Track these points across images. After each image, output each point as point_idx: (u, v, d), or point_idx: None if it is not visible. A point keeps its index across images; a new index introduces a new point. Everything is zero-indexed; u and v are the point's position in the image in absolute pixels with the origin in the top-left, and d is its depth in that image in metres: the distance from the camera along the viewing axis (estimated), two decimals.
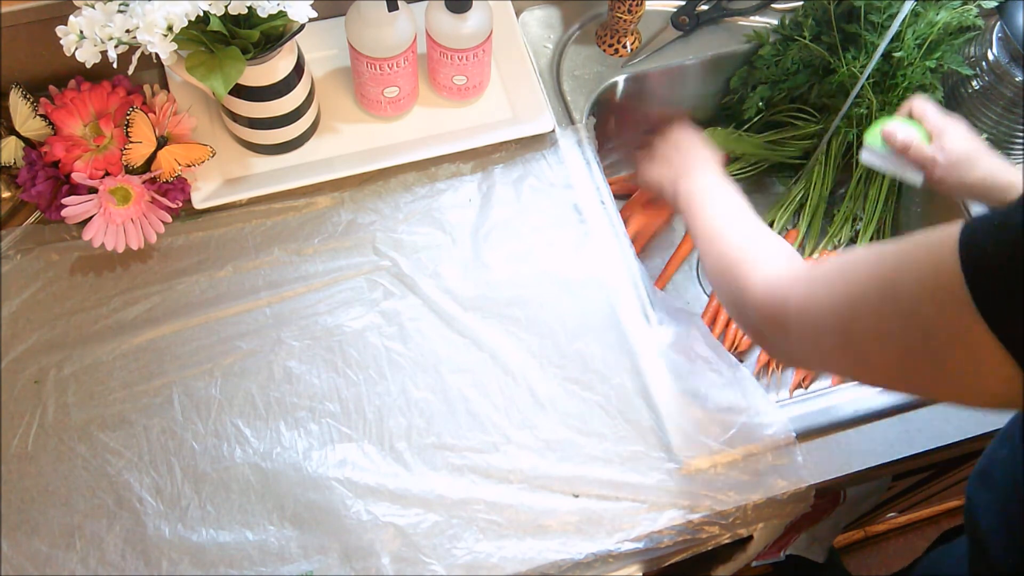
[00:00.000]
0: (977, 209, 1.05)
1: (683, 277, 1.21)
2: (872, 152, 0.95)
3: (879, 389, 0.90)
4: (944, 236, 0.54)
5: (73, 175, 0.91)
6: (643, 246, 1.20)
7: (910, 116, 0.94)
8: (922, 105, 0.92)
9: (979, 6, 1.08)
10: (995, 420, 0.93)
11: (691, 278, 1.21)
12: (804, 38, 1.11)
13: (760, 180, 1.25)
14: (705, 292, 1.21)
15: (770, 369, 1.14)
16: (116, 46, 0.81)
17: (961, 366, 0.55)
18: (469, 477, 0.88)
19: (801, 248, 1.20)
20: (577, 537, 0.86)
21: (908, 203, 1.19)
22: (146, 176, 0.93)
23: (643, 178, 1.02)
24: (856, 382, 0.70)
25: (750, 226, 0.82)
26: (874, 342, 0.60)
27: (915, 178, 0.92)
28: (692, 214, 0.89)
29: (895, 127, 0.91)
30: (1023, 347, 0.50)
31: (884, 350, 0.59)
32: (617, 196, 1.23)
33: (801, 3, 1.13)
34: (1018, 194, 0.84)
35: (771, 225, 1.22)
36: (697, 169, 0.93)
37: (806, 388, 1.12)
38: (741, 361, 1.13)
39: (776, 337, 0.70)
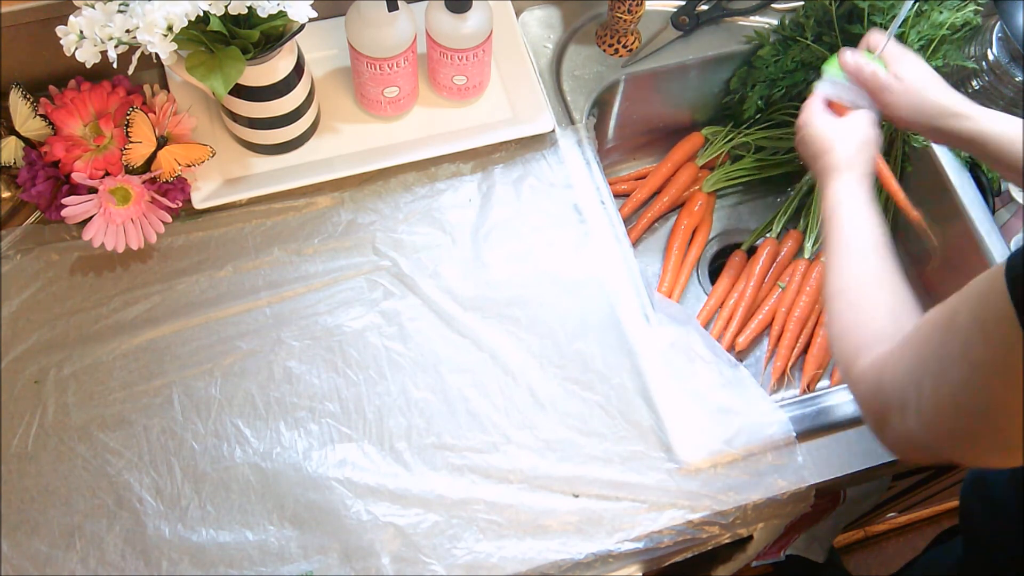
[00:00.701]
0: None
1: (683, 277, 1.21)
2: (829, 81, 0.94)
3: (964, 464, 0.87)
4: (995, 267, 0.55)
5: (73, 175, 0.91)
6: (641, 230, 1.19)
7: (869, 52, 0.93)
8: (878, 37, 0.92)
9: (978, 5, 1.08)
10: None
11: (692, 279, 1.21)
12: (806, 39, 1.11)
13: (761, 181, 1.25)
14: (705, 292, 1.21)
15: (771, 368, 1.14)
16: (116, 46, 0.81)
17: (1008, 399, 0.54)
18: (469, 477, 0.88)
19: (802, 249, 1.20)
20: (577, 537, 0.86)
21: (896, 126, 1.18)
22: (146, 176, 0.93)
23: (802, 136, 0.94)
24: (954, 461, 0.69)
25: (856, 292, 0.77)
26: (936, 387, 0.60)
27: (868, 105, 0.92)
28: (825, 248, 0.84)
29: (852, 54, 0.92)
30: None
31: (943, 393, 0.59)
32: (617, 196, 1.23)
33: (801, 3, 1.13)
34: (969, 124, 0.83)
35: (771, 226, 1.22)
36: (824, 183, 0.87)
37: (811, 391, 1.13)
38: (741, 361, 1.13)
39: (883, 428, 0.68)
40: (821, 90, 0.94)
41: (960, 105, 0.86)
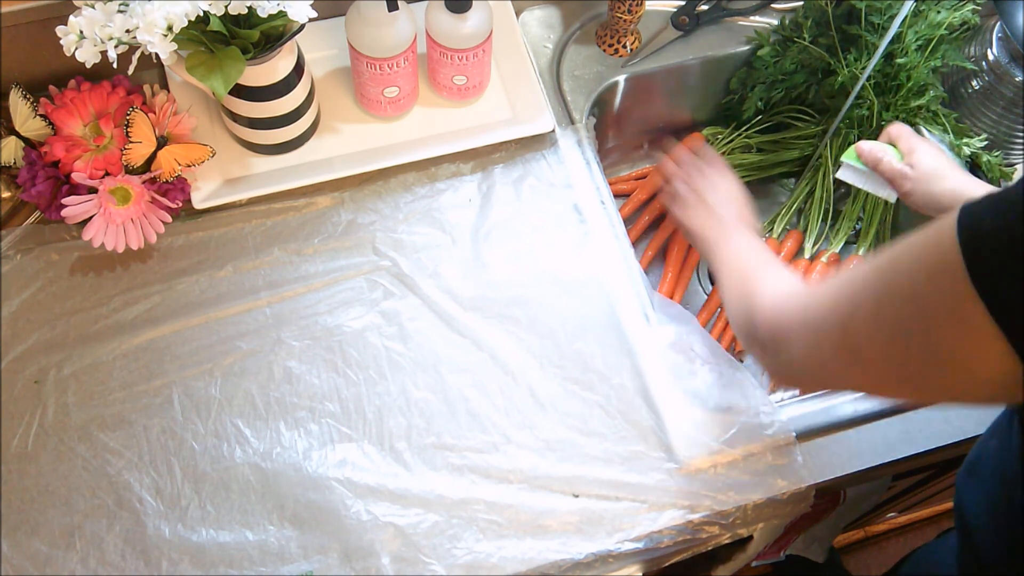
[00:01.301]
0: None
1: (684, 278, 1.21)
2: (848, 167, 1.02)
3: (876, 396, 0.90)
4: (944, 219, 0.54)
5: (73, 175, 0.91)
6: (653, 252, 1.20)
7: (890, 143, 1.00)
8: (898, 128, 0.99)
9: (976, 5, 1.08)
10: (994, 418, 0.93)
11: (692, 279, 1.21)
12: (803, 40, 1.11)
13: (761, 182, 1.25)
14: (704, 291, 1.21)
15: None
16: (116, 46, 0.81)
17: (956, 350, 0.54)
18: (469, 477, 0.88)
19: (802, 249, 1.20)
20: (577, 537, 0.86)
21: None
22: (146, 176, 0.93)
23: (680, 218, 1.02)
24: (855, 390, 0.70)
25: (766, 257, 0.85)
26: (872, 330, 0.59)
27: (888, 193, 1.00)
28: (719, 260, 0.91)
29: (869, 145, 0.99)
30: (1020, 327, 0.50)
31: (880, 338, 0.59)
32: (617, 196, 1.23)
33: (801, 3, 1.13)
34: None
35: (772, 226, 1.22)
36: (736, 229, 0.94)
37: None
38: (741, 361, 1.13)
39: (779, 350, 0.70)
40: (840, 176, 1.03)
41: (975, 190, 0.90)
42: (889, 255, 0.59)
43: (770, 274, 0.80)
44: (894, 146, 0.98)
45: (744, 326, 0.78)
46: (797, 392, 1.13)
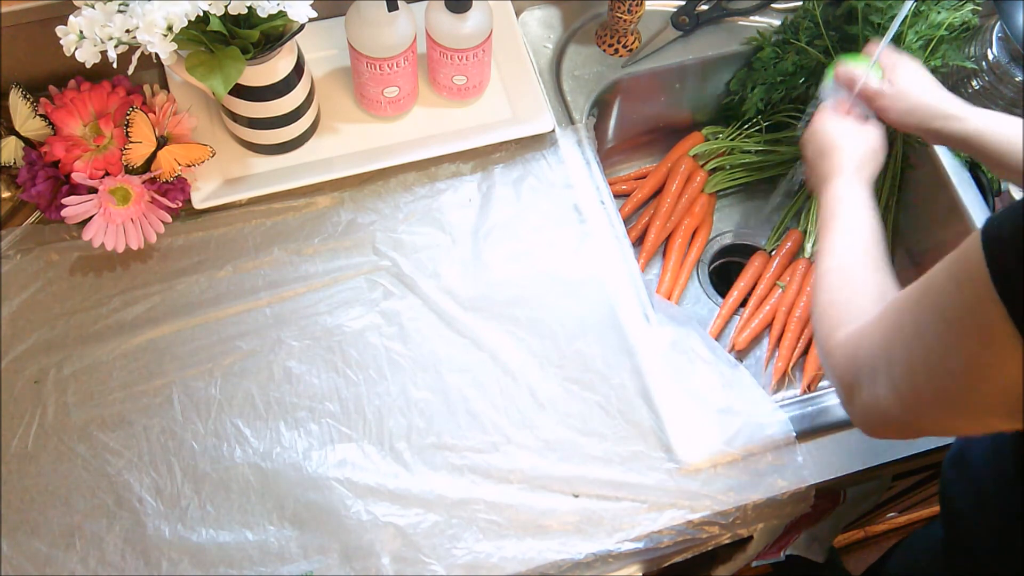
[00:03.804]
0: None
1: (683, 278, 1.21)
2: (829, 87, 0.98)
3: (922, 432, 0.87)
4: (974, 232, 0.55)
5: (73, 175, 0.91)
6: (651, 252, 1.19)
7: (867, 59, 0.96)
8: (875, 46, 0.95)
9: (976, 5, 1.08)
10: None
11: (692, 279, 1.21)
12: (800, 41, 1.11)
13: (761, 182, 1.25)
14: (708, 295, 1.21)
15: (772, 369, 1.14)
16: (116, 46, 0.81)
17: (979, 358, 0.55)
18: (469, 477, 0.88)
19: (802, 249, 1.20)
20: (577, 537, 0.86)
21: (908, 205, 1.19)
22: (146, 176, 0.93)
23: (810, 188, 0.97)
24: (916, 432, 0.70)
25: (848, 272, 0.79)
26: (909, 351, 0.61)
27: (864, 111, 0.95)
28: (819, 238, 0.85)
29: (846, 68, 0.95)
30: None
31: (916, 357, 0.60)
32: (617, 196, 1.23)
33: (801, 3, 1.13)
34: (961, 125, 0.85)
35: (779, 226, 1.22)
36: (829, 180, 0.89)
37: (812, 391, 1.12)
38: (741, 361, 1.13)
39: (852, 400, 0.69)
40: (823, 95, 0.98)
41: (951, 107, 0.88)
42: (927, 276, 0.61)
43: (852, 303, 0.75)
44: (878, 67, 0.95)
45: (823, 365, 0.76)
46: (798, 392, 1.13)
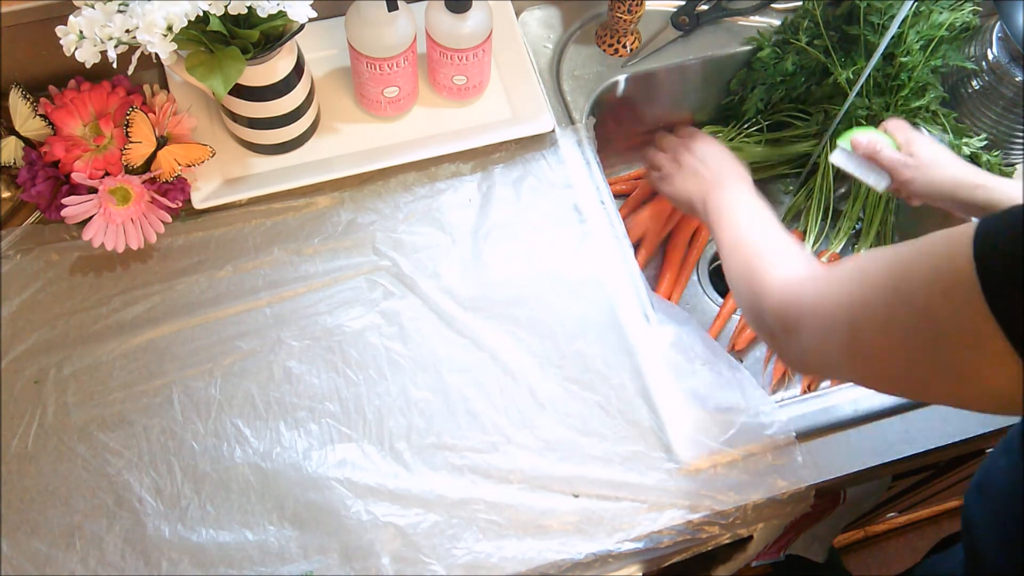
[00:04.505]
0: None
1: (683, 279, 1.21)
2: (843, 152, 1.01)
3: (880, 392, 0.90)
4: (961, 230, 0.54)
5: (73, 175, 0.91)
6: (650, 252, 1.19)
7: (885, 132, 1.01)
8: (895, 122, 1.00)
9: (975, 6, 1.08)
10: (995, 420, 0.93)
11: (692, 279, 1.21)
12: (800, 41, 1.11)
13: (762, 182, 1.25)
14: (708, 295, 1.21)
15: (772, 368, 1.14)
16: (116, 46, 0.81)
17: (966, 361, 0.54)
18: (469, 477, 0.88)
19: None
20: (577, 537, 0.86)
21: (908, 205, 1.19)
22: (146, 176, 0.93)
23: (669, 191, 1.02)
24: (860, 384, 0.70)
25: (771, 232, 0.84)
26: (881, 335, 0.60)
27: (877, 180, 0.99)
28: (719, 226, 0.90)
29: (866, 134, 0.99)
30: None
31: (890, 343, 0.59)
32: (617, 196, 1.23)
33: (801, 3, 1.13)
34: (986, 193, 0.88)
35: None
36: (727, 183, 0.94)
37: (812, 391, 1.12)
38: (741, 361, 1.13)
39: (788, 338, 0.70)
40: (835, 160, 1.02)
41: (977, 176, 0.92)
42: (902, 259, 0.59)
43: (777, 253, 0.78)
44: (892, 139, 0.98)
45: (751, 310, 0.78)
46: (798, 392, 1.13)
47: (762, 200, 0.90)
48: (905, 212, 1.20)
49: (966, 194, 0.91)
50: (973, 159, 1.09)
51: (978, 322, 0.52)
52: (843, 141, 1.01)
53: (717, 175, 0.96)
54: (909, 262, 0.58)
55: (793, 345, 0.70)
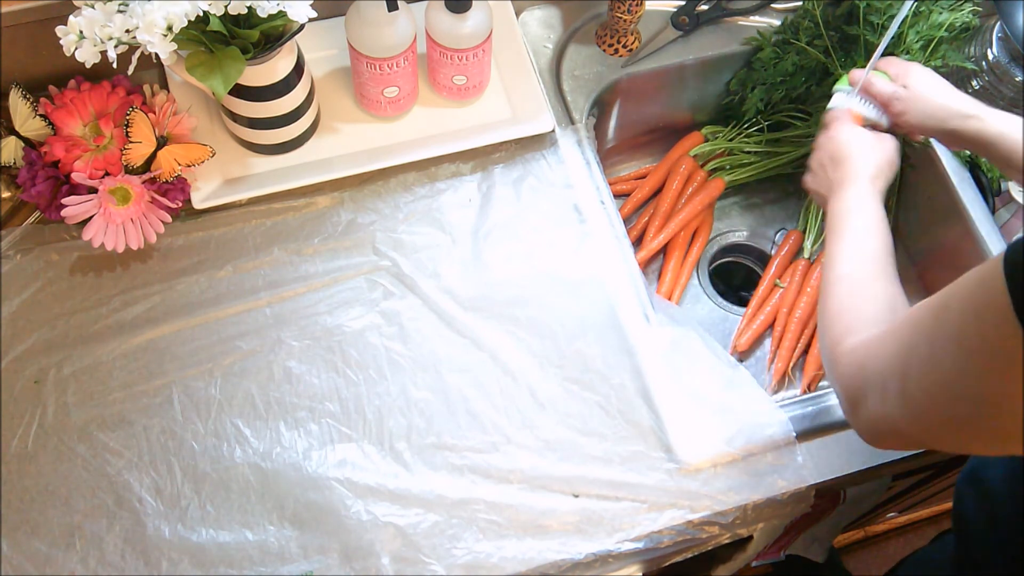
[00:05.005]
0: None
1: (683, 278, 1.21)
2: (840, 94, 0.98)
3: (941, 451, 0.86)
4: (993, 258, 0.55)
5: (73, 175, 0.91)
6: (650, 252, 1.19)
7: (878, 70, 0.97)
8: (890, 59, 0.97)
9: (975, 6, 1.08)
10: None
11: (692, 279, 1.21)
12: (800, 41, 1.11)
13: (761, 182, 1.25)
14: (708, 295, 1.21)
15: (773, 369, 1.14)
16: (116, 46, 0.81)
17: (1002, 388, 0.54)
18: (469, 477, 0.88)
19: (802, 249, 1.20)
20: (577, 537, 0.86)
21: (908, 205, 1.19)
22: (146, 176, 0.93)
23: (811, 189, 0.97)
24: (925, 446, 0.70)
25: (860, 271, 0.79)
26: (927, 372, 0.60)
27: (881, 117, 0.96)
28: (828, 244, 0.85)
29: (860, 71, 0.96)
30: None
31: (934, 379, 0.59)
32: (617, 196, 1.23)
33: (801, 3, 1.13)
34: (980, 124, 0.86)
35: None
36: (842, 188, 0.88)
37: (812, 391, 1.12)
38: (741, 361, 1.13)
39: (856, 411, 0.69)
40: (836, 103, 0.97)
41: (970, 106, 0.88)
42: (943, 294, 0.60)
43: (853, 310, 0.75)
44: (885, 74, 0.96)
45: (827, 371, 0.76)
46: (798, 392, 1.13)
47: (873, 206, 0.84)
48: (906, 212, 1.20)
49: (957, 124, 0.88)
50: (973, 159, 1.09)
51: (1009, 340, 0.52)
52: (839, 84, 0.99)
53: (838, 176, 0.89)
54: (948, 296, 0.59)
55: (862, 414, 0.69)
